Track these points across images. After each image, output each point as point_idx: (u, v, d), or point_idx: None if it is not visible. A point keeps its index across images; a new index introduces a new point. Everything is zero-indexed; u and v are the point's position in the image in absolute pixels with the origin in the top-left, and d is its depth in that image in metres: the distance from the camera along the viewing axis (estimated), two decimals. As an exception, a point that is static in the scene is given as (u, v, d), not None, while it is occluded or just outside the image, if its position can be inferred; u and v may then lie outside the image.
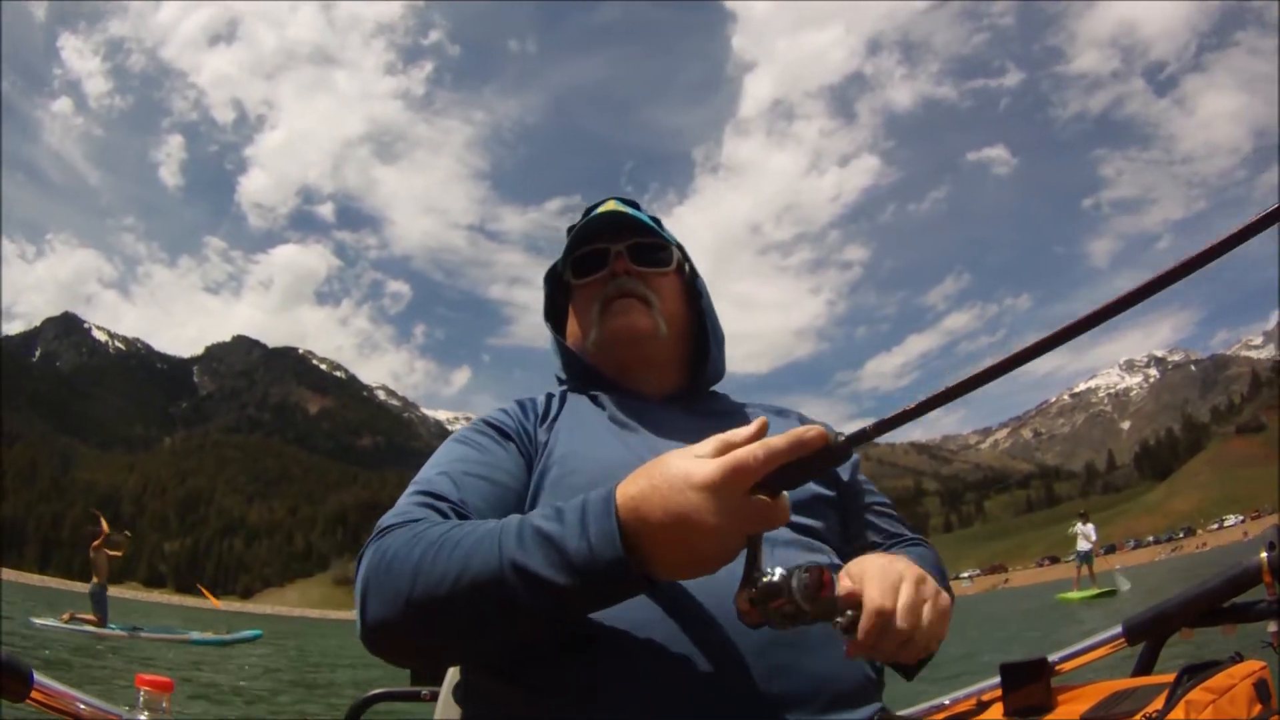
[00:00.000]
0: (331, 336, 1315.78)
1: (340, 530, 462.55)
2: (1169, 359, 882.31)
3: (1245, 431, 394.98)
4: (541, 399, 1.91)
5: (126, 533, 26.24)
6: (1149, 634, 2.06)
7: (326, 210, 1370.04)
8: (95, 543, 22.59)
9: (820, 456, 1.09)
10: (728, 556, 1.13)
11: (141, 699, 1.65)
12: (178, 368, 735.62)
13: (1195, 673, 1.50)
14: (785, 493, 1.13)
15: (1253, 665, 1.49)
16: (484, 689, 1.50)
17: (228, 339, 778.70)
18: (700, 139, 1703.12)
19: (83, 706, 1.69)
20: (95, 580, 22.13)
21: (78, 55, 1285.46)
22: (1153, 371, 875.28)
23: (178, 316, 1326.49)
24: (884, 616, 1.23)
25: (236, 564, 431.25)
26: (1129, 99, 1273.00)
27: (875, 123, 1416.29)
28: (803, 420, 2.00)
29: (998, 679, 1.92)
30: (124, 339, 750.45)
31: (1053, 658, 2.06)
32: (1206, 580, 1.96)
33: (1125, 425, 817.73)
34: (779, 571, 1.10)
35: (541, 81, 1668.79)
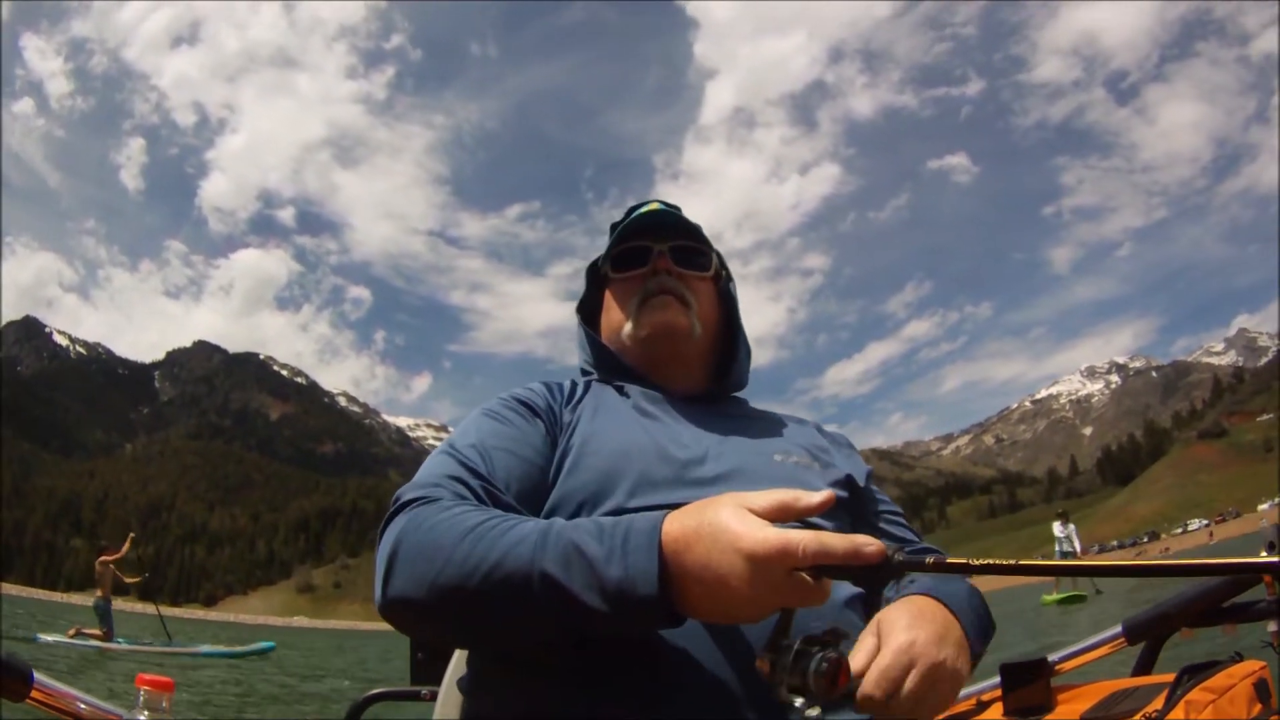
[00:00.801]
0: (292, 342, 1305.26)
1: (302, 537, 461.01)
2: (1130, 365, 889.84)
3: (1207, 437, 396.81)
4: (567, 382, 1.93)
5: (145, 573, 25.13)
6: (1149, 634, 2.04)
7: (287, 215, 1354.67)
8: (104, 557, 22.15)
9: (870, 570, 1.06)
10: (758, 620, 1.14)
11: (141, 699, 1.65)
12: (139, 373, 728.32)
13: (1195, 673, 1.51)
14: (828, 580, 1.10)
15: (1253, 665, 1.50)
16: (491, 678, 1.51)
17: (188, 344, 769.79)
18: (661, 146, 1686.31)
19: (83, 706, 1.69)
20: (99, 594, 21.51)
21: (40, 56, 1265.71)
22: (1114, 378, 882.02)
23: (139, 321, 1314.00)
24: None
25: (199, 571, 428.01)
26: (1090, 108, 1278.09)
27: (836, 131, 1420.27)
28: (819, 430, 2.05)
29: (998, 679, 1.92)
30: (85, 343, 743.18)
31: (1053, 657, 2.05)
32: (1206, 580, 1.95)
33: (1087, 431, 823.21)
34: (803, 644, 1.07)
35: (503, 86, 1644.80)
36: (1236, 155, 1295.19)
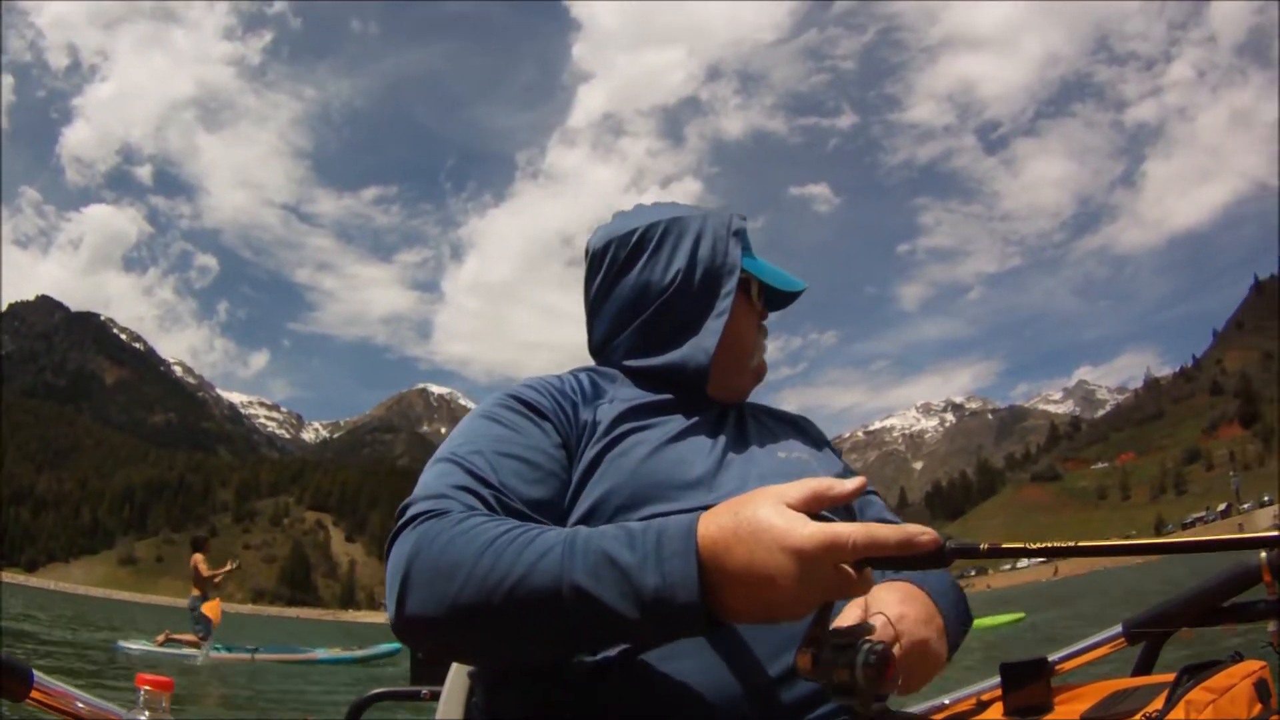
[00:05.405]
0: (135, 305, 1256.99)
1: (127, 508, 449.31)
2: (967, 405, 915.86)
3: (1040, 480, 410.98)
4: (570, 378, 1.81)
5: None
6: (1149, 634, 2.05)
7: (144, 173, 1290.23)
8: (202, 564, 18.78)
9: (920, 558, 1.05)
10: (800, 616, 1.10)
11: (142, 699, 1.62)
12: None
13: (1195, 672, 1.51)
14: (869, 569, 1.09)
15: (1253, 665, 1.50)
16: (493, 678, 1.51)
17: (31, 298, 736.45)
18: (526, 143, 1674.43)
19: (82, 706, 1.68)
20: (195, 592, 18.48)
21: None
22: (949, 416, 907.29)
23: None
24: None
25: (23, 535, 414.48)
26: (958, 153, 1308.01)
27: (703, 147, 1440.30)
28: (802, 420, 2.13)
29: (997, 679, 1.93)
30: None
31: (1052, 657, 2.07)
32: (1207, 580, 1.96)
33: (918, 465, 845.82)
34: (842, 637, 1.07)
35: (377, 65, 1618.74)
36: (1098, 214, 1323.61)
